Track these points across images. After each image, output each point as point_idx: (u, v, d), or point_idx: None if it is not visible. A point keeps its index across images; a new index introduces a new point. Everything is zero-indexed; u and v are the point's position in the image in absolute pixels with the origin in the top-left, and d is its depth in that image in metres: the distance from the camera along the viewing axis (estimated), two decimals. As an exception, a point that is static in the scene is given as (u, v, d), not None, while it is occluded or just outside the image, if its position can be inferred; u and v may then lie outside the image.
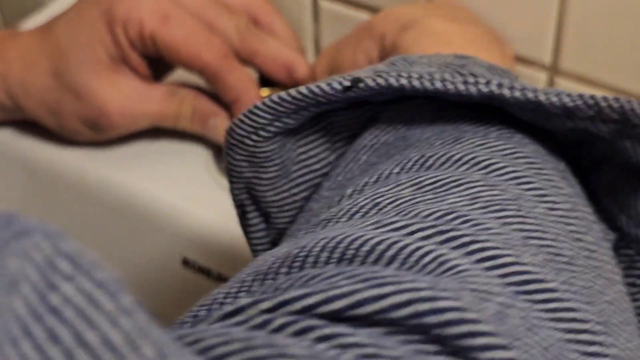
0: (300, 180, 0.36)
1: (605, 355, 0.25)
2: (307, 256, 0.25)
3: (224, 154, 0.35)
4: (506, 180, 0.29)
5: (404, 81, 0.31)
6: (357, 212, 0.28)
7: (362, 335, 0.22)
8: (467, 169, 0.29)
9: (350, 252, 0.25)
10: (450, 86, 0.31)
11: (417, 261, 0.24)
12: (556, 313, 0.25)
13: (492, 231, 0.26)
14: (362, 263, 0.24)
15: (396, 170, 0.30)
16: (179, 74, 0.55)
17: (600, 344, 0.25)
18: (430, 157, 0.30)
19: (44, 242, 0.17)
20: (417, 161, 0.30)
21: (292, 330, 0.22)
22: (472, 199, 0.28)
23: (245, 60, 0.52)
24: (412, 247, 0.25)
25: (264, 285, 0.25)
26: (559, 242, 0.28)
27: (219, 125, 0.53)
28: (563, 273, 0.26)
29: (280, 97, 0.32)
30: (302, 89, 0.32)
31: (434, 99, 0.33)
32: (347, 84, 0.32)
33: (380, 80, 0.31)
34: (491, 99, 0.31)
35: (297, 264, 0.25)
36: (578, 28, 0.49)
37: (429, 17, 0.44)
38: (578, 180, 0.33)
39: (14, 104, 0.54)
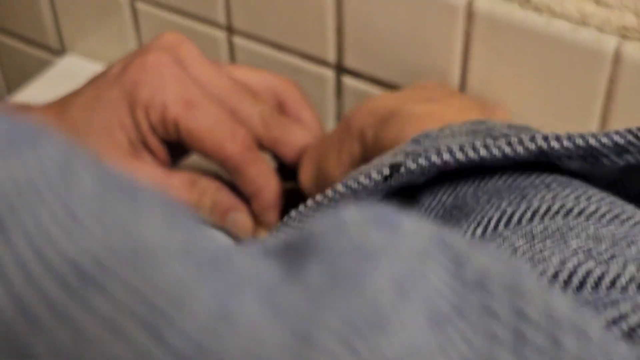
0: None
1: None
2: None
3: None
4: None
5: (446, 156, 0.29)
6: None
7: None
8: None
9: None
10: (495, 150, 0.30)
11: None
12: None
13: None
14: None
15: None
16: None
17: None
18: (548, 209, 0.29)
19: None
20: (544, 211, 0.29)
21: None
22: None
23: (267, 148, 0.49)
24: None
25: None
26: None
27: (238, 220, 0.49)
28: None
29: (315, 202, 0.31)
30: (338, 186, 0.30)
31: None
32: (387, 172, 0.29)
33: (422, 161, 0.29)
34: (538, 155, 0.30)
35: None
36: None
37: (405, 104, 0.42)
38: None
39: None
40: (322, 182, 0.45)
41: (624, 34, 0.44)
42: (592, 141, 0.30)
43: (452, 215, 0.32)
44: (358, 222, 0.18)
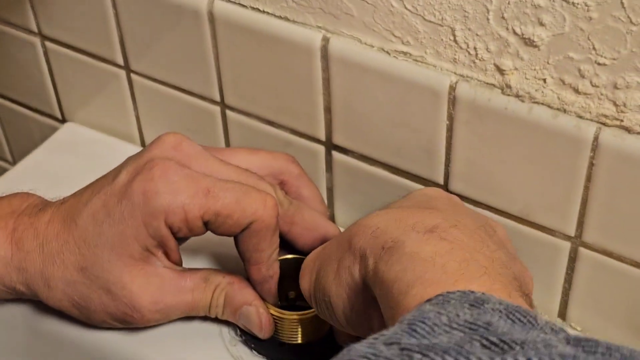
0: None
1: None
2: None
3: None
4: None
5: None
6: None
7: None
8: None
9: None
10: None
11: None
12: None
13: None
14: None
15: None
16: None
17: None
18: None
19: None
20: None
21: None
22: None
23: (282, 228, 0.50)
24: None
25: None
26: None
27: (251, 314, 0.50)
28: None
29: None
30: None
31: None
32: None
33: None
34: None
35: None
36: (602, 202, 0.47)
37: (409, 235, 0.40)
38: None
39: (32, 294, 0.51)
40: (320, 294, 0.46)
41: (602, 121, 0.45)
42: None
43: None
44: None
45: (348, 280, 0.43)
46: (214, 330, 0.52)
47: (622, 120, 0.45)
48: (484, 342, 0.31)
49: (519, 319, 0.33)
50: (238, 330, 0.52)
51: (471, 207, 0.52)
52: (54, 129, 0.69)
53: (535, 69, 0.46)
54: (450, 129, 0.50)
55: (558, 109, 0.46)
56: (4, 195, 0.53)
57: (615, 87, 0.44)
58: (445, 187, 0.53)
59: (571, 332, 0.53)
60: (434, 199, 0.48)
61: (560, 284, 0.52)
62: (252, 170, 0.51)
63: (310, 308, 0.50)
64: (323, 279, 0.45)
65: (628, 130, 0.45)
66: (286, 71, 0.54)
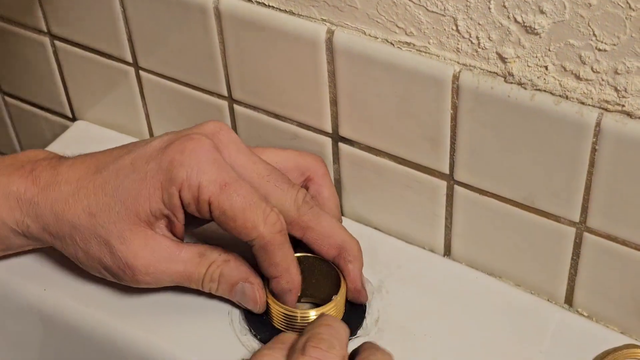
0: None
1: None
2: None
3: None
4: None
5: None
6: None
7: None
8: None
9: None
10: None
11: None
12: None
13: None
14: None
15: None
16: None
17: None
18: None
19: None
20: None
21: None
22: None
23: (297, 233, 0.51)
24: None
25: None
26: None
27: (247, 290, 0.51)
28: None
29: None
30: None
31: None
32: None
33: None
34: None
35: None
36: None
37: None
38: None
39: (39, 229, 0.52)
40: None
41: (604, 106, 0.46)
42: None
43: None
44: None
45: None
46: (225, 320, 0.53)
47: (623, 106, 0.45)
48: None
49: None
50: (245, 321, 0.53)
51: (476, 195, 0.53)
52: (64, 128, 0.70)
53: (536, 57, 0.46)
54: (454, 118, 0.50)
55: (560, 96, 0.47)
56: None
57: (616, 72, 0.45)
58: (451, 176, 0.53)
59: (579, 318, 0.53)
60: None
61: (567, 270, 0.53)
62: (279, 163, 0.53)
63: (322, 305, 0.51)
64: None
65: (630, 115, 0.45)
66: (292, 64, 0.54)
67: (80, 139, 0.68)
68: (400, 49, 0.50)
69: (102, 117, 0.69)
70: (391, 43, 0.50)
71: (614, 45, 0.44)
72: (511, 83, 0.48)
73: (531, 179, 0.50)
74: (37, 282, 0.56)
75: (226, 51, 0.57)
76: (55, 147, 0.67)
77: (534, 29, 0.46)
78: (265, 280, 0.51)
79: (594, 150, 0.47)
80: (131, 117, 0.67)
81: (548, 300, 0.55)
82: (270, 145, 0.56)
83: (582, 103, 0.46)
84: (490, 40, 0.47)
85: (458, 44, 0.48)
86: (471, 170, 0.52)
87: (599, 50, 0.44)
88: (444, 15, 0.48)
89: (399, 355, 0.47)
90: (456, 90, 0.49)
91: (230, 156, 0.50)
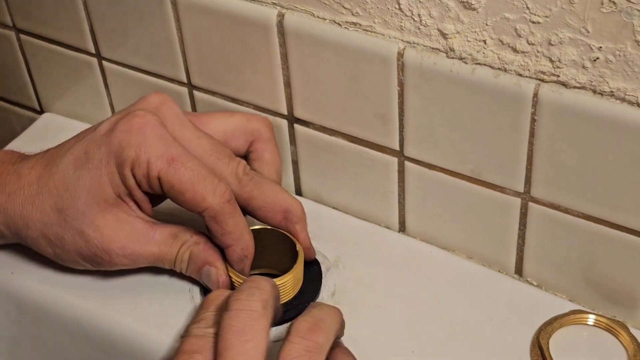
0: None
1: None
2: None
3: None
4: None
5: None
6: None
7: None
8: None
9: None
10: None
11: None
12: None
13: None
14: None
15: None
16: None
17: None
18: None
19: None
20: None
21: None
22: None
23: (241, 203, 0.53)
24: None
25: None
26: None
27: (212, 274, 0.53)
28: None
29: None
30: None
31: None
32: None
33: None
34: None
35: None
36: (546, 156, 0.49)
37: None
38: None
39: (12, 234, 0.54)
40: None
41: (541, 77, 0.48)
42: None
43: None
44: None
45: None
46: (186, 297, 0.55)
47: (558, 76, 0.47)
48: None
49: None
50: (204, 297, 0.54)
51: (426, 170, 0.55)
52: (32, 120, 0.72)
53: (475, 31, 0.48)
54: (401, 95, 0.52)
55: (499, 69, 0.49)
56: None
57: (550, 43, 0.46)
58: (402, 152, 0.55)
59: (529, 287, 0.55)
60: None
61: (515, 240, 0.55)
62: (227, 132, 0.55)
63: (278, 275, 0.52)
64: None
65: (565, 85, 0.47)
66: (246, 49, 0.56)
67: (47, 131, 0.70)
68: (347, 29, 0.52)
69: (68, 108, 0.70)
70: (339, 24, 0.52)
71: (547, 17, 0.46)
72: (453, 58, 0.50)
73: (476, 151, 0.52)
74: (4, 266, 0.57)
75: (183, 38, 0.59)
76: (23, 140, 0.69)
77: (471, 4, 0.47)
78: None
79: (533, 121, 0.49)
80: (97, 108, 0.68)
81: (499, 271, 0.57)
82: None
83: (520, 75, 0.48)
84: (431, 17, 0.49)
85: (401, 22, 0.50)
86: (420, 146, 0.54)
87: (533, 22, 0.46)
88: (387, -5, 0.50)
89: (355, 326, 0.49)
90: (401, 68, 0.51)
91: (175, 131, 0.52)
